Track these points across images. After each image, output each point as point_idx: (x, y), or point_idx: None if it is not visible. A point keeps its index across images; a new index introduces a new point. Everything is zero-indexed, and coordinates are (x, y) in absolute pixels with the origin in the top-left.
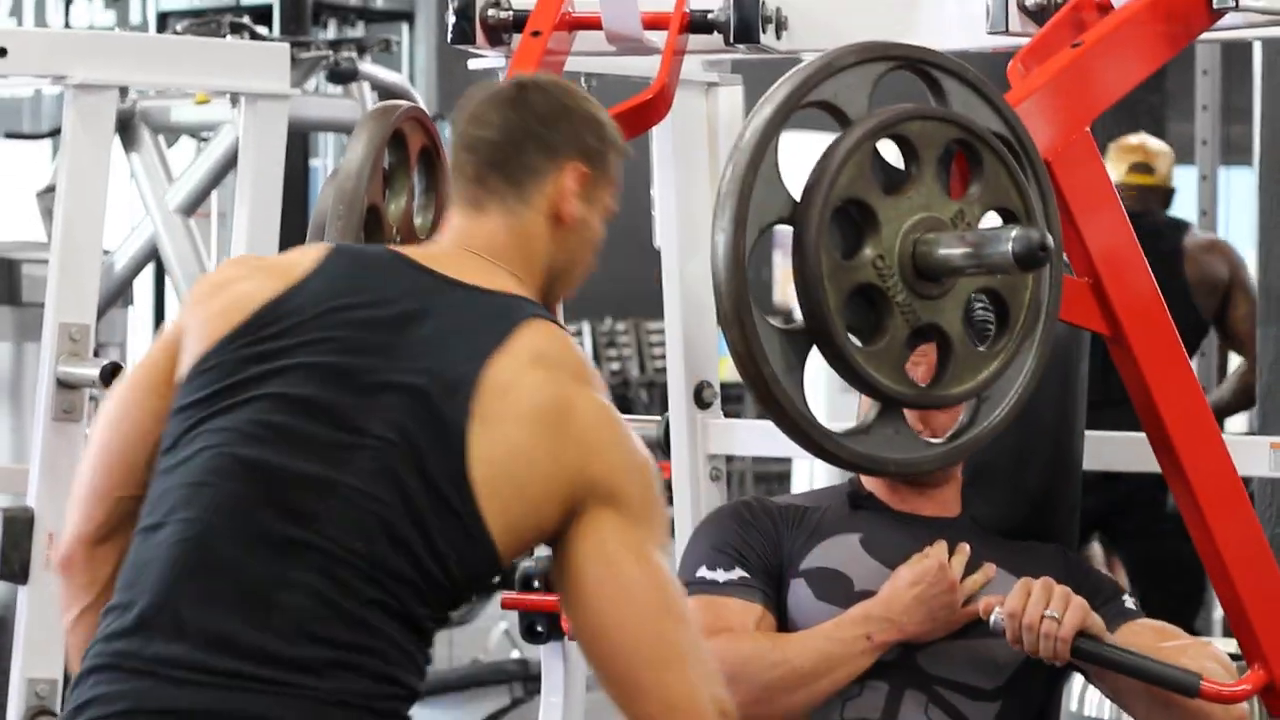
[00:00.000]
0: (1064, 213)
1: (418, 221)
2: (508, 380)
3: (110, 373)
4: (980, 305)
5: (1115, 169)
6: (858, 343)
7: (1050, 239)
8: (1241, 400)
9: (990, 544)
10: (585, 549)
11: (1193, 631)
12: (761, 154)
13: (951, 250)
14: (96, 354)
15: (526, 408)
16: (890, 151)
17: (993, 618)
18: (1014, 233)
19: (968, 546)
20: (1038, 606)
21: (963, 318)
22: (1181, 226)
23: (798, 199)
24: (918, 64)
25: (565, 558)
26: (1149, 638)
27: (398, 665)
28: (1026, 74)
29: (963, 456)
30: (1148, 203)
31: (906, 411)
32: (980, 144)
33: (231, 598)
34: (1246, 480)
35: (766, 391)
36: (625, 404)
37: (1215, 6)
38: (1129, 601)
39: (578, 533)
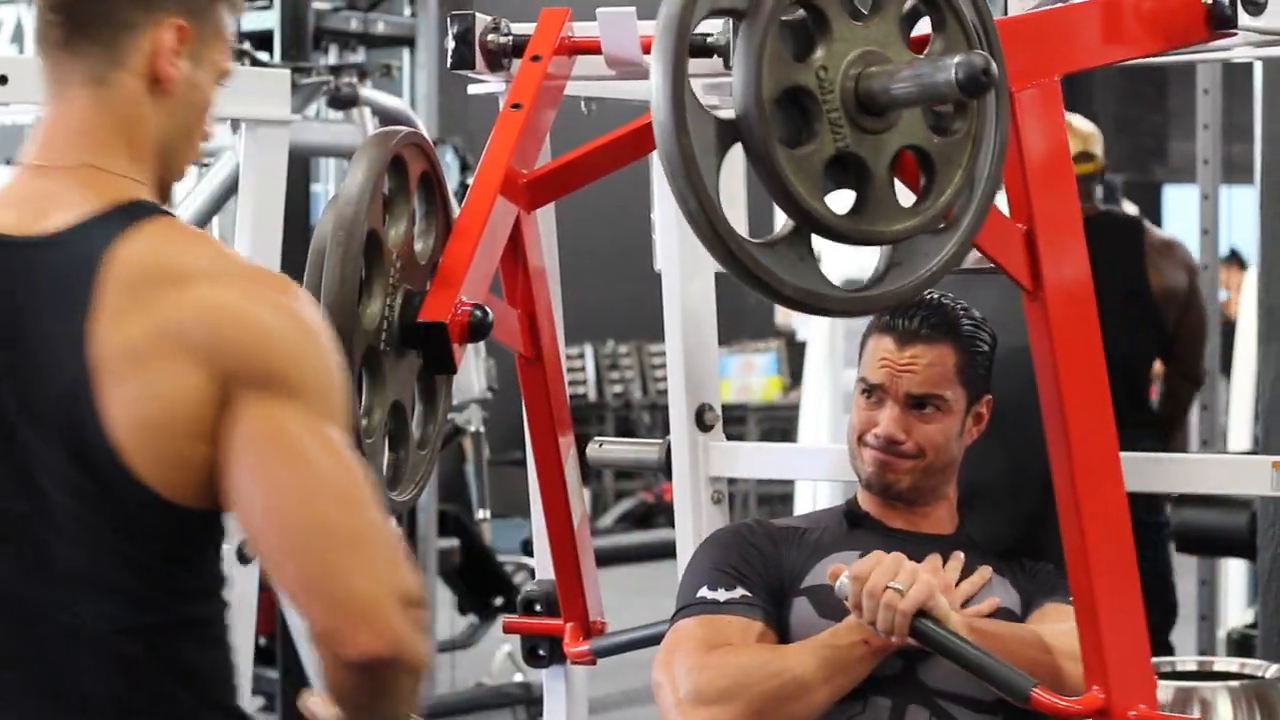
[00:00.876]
0: (1014, 151)
1: (418, 247)
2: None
3: None
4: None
5: None
6: (782, 145)
7: (994, 66)
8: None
9: (984, 561)
10: (236, 436)
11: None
12: None
13: (895, 79)
14: None
15: (151, 342)
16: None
17: (839, 581)
18: (958, 58)
19: (962, 554)
20: (884, 576)
21: (890, 165)
22: (1138, 226)
23: None
24: None
25: (221, 452)
26: (1048, 622)
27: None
28: None
29: (862, 310)
30: (1090, 192)
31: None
32: (948, 7)
33: None
34: (1247, 501)
35: (681, 164)
36: (628, 426)
37: (1214, 26)
38: (1063, 600)
39: (228, 421)
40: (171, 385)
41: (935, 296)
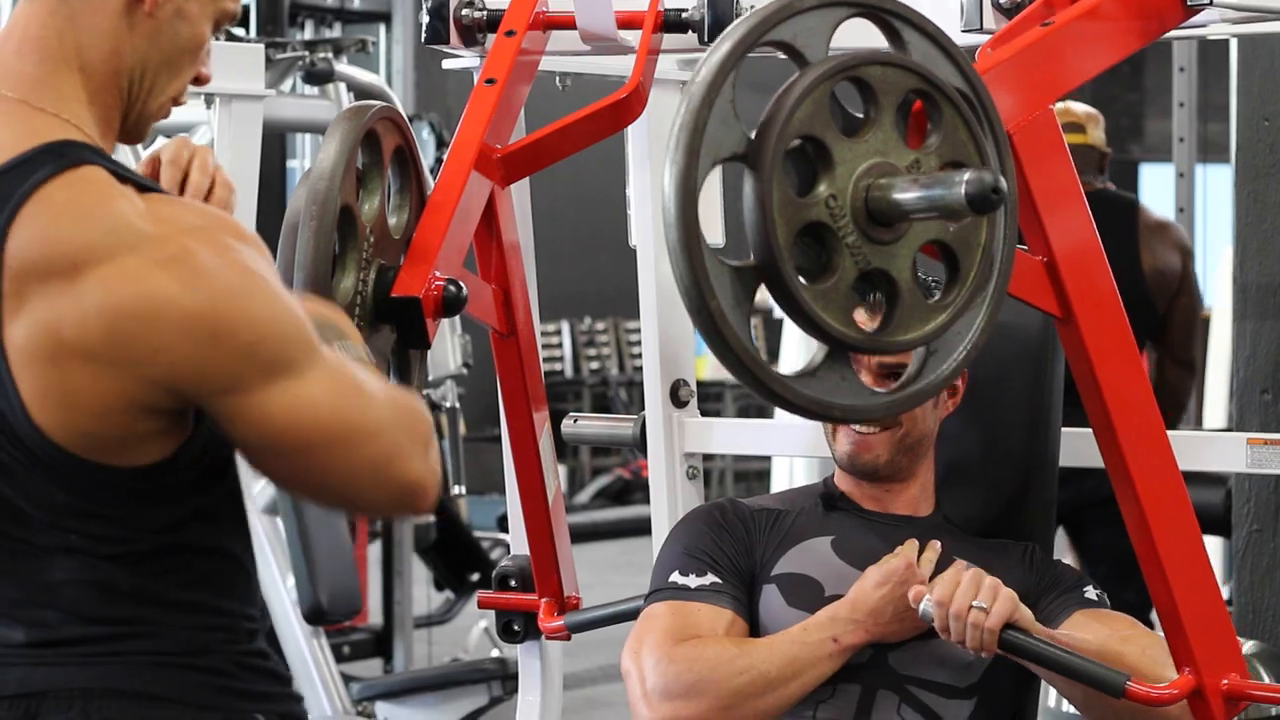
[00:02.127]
0: (1022, 188)
1: (392, 222)
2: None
3: None
4: (924, 275)
5: None
6: (805, 282)
7: (1004, 182)
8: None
9: (962, 542)
10: (234, 437)
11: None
12: (718, 89)
13: (904, 193)
14: None
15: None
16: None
17: (922, 606)
18: (967, 175)
19: (939, 544)
20: (966, 596)
21: (912, 267)
22: (1132, 206)
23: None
24: (879, 11)
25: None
26: (1096, 628)
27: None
28: None
29: (909, 407)
30: (1083, 167)
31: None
32: (939, 95)
33: None
34: (1223, 477)
35: (712, 325)
36: (604, 403)
37: (1189, 2)
38: (1090, 592)
39: (209, 412)
40: (90, 392)
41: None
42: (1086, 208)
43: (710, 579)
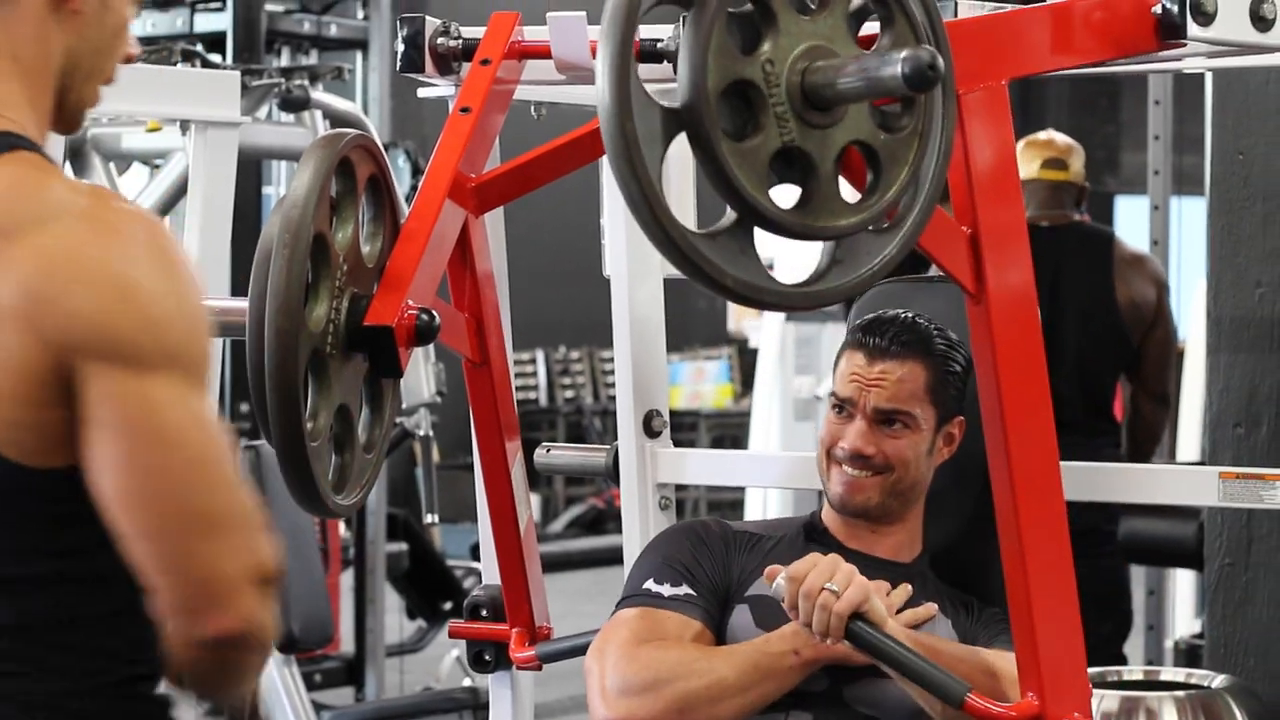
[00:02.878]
0: (960, 153)
1: (365, 250)
2: None
3: None
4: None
5: (1027, 166)
6: (727, 137)
7: (941, 60)
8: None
9: (936, 595)
10: (87, 415)
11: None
12: None
13: (841, 74)
14: None
15: None
16: None
17: (775, 583)
18: (904, 53)
19: (910, 586)
20: (820, 576)
21: (836, 161)
22: (1108, 239)
23: None
24: None
25: (79, 427)
26: (992, 655)
27: None
28: None
29: (801, 304)
30: (1061, 201)
31: None
32: (897, 5)
33: None
34: (1196, 510)
35: (624, 148)
36: (579, 432)
37: (1163, 37)
38: (1006, 639)
39: (77, 392)
40: (5, 359)
41: (910, 315)
42: (1021, 195)
43: (684, 590)
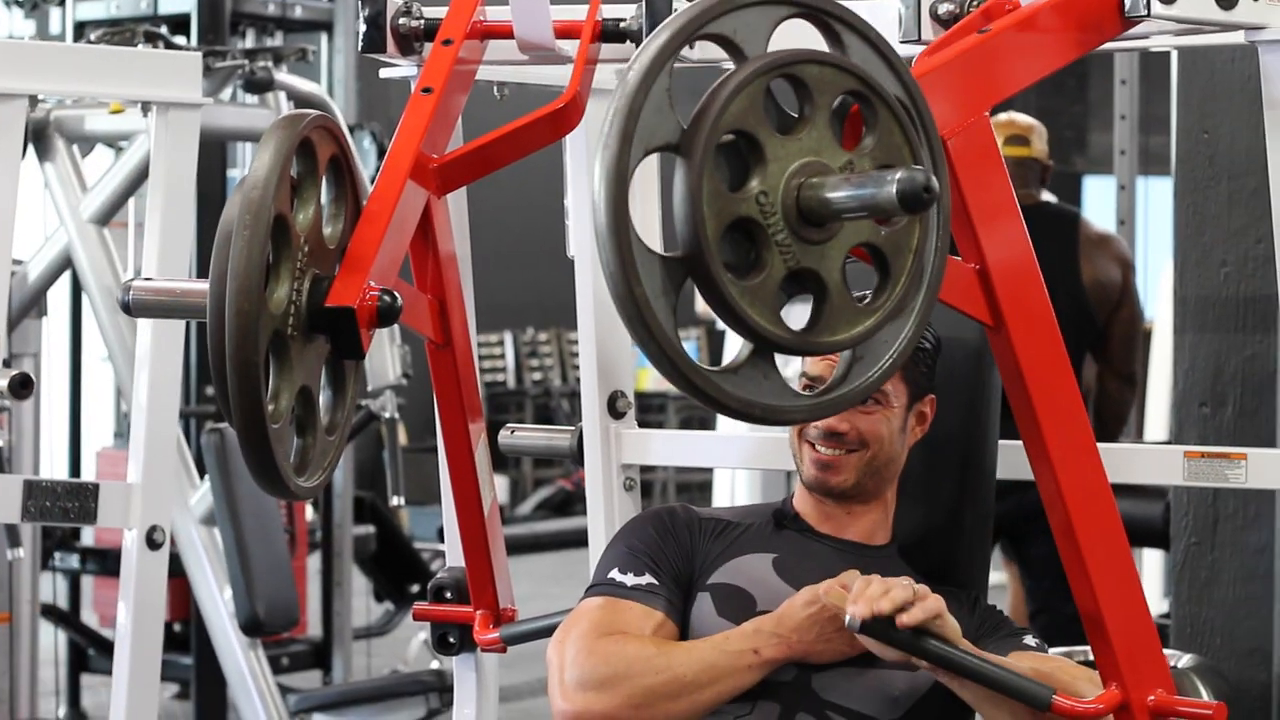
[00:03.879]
0: (956, 194)
1: (327, 231)
2: None
3: (20, 383)
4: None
5: None
6: (733, 277)
7: (935, 181)
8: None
9: (909, 578)
10: None
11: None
12: (654, 76)
13: (835, 192)
14: (8, 364)
15: None
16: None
17: (848, 618)
18: (899, 174)
19: (879, 578)
20: (881, 588)
21: (841, 269)
22: (1073, 219)
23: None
24: (819, 13)
25: None
26: (1032, 662)
27: None
28: None
29: (830, 412)
30: (1026, 180)
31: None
32: (875, 97)
33: None
34: (1162, 490)
35: (637, 313)
36: (547, 414)
37: (1127, 14)
38: (1029, 639)
39: None
40: None
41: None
42: (1020, 216)
43: (647, 579)
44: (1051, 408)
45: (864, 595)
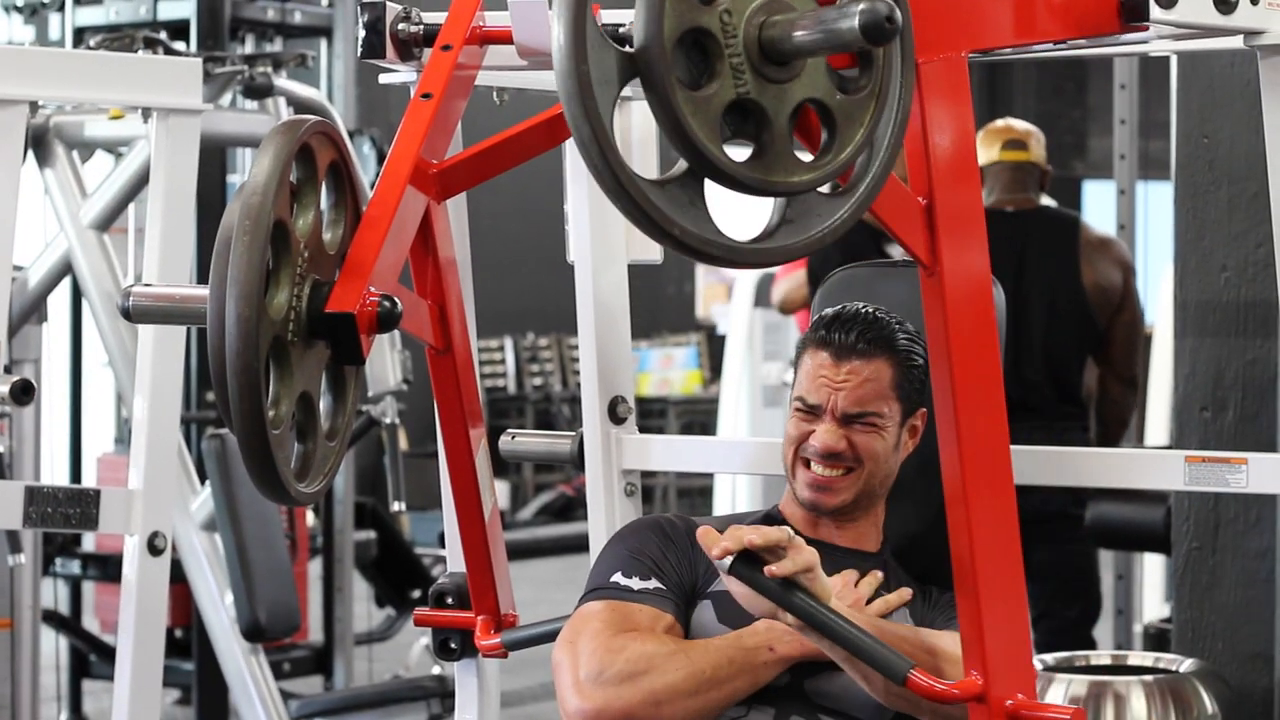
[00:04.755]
0: (917, 122)
1: (326, 237)
2: None
3: (22, 389)
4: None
5: (987, 151)
6: (681, 84)
7: (899, 14)
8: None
9: (900, 583)
10: None
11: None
12: None
13: (798, 27)
14: (9, 370)
15: None
16: None
17: (716, 559)
18: (862, 5)
19: (880, 574)
20: (762, 538)
21: (790, 117)
22: (1073, 223)
23: None
24: None
25: None
26: (915, 633)
27: None
28: None
29: (751, 262)
30: (1025, 184)
31: None
32: None
33: None
34: (1164, 495)
35: (577, 88)
36: (547, 419)
37: (1126, 18)
38: (948, 620)
39: None
40: None
41: (870, 310)
42: (978, 171)
43: (653, 584)
44: (968, 367)
45: (733, 538)
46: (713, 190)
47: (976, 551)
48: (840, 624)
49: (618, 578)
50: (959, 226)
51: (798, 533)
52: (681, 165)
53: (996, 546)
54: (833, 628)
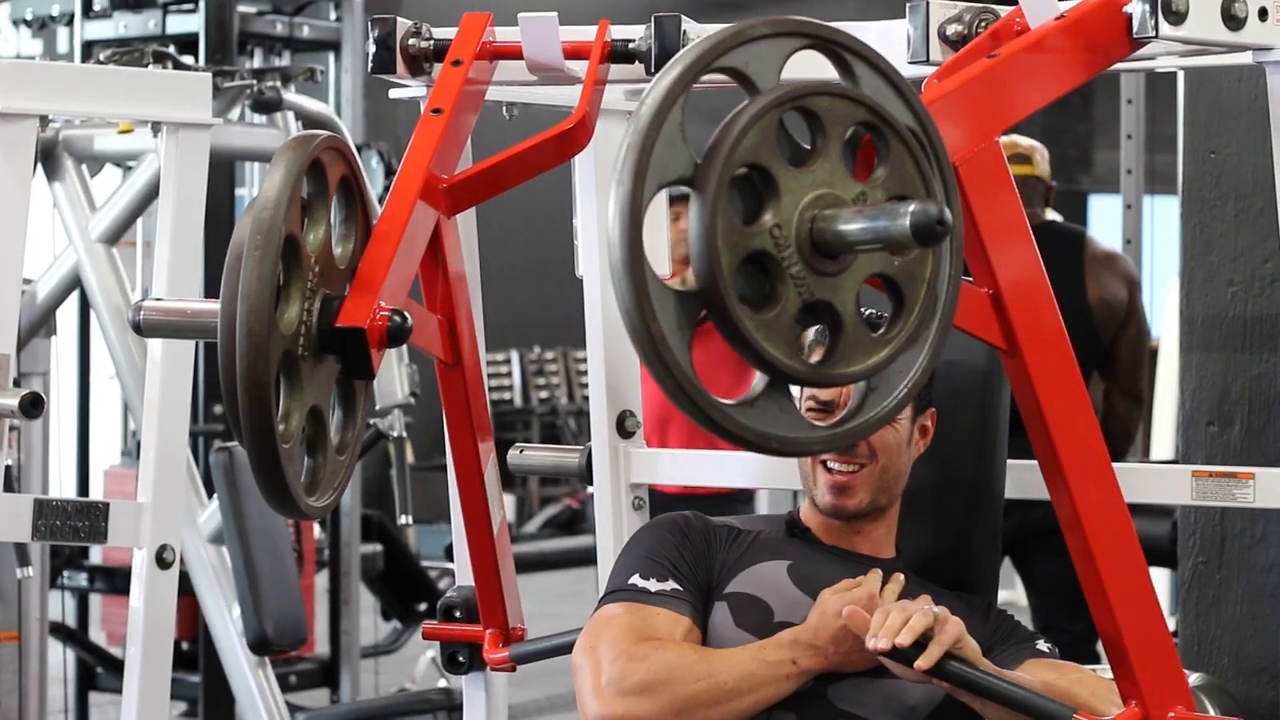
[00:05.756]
0: (968, 220)
1: (337, 251)
2: None
3: (31, 403)
4: (870, 312)
5: None
6: (748, 311)
7: (949, 214)
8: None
9: (920, 588)
10: None
11: (1094, 657)
12: (666, 111)
13: (849, 224)
14: (17, 384)
15: None
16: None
17: (869, 641)
18: (912, 206)
19: (902, 578)
20: (902, 614)
21: (855, 300)
22: (1080, 238)
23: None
24: (831, 44)
25: None
26: (1046, 672)
27: None
28: None
29: (845, 441)
30: (1030, 199)
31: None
32: (888, 129)
33: None
34: (1169, 509)
35: (653, 348)
36: (554, 432)
37: (1135, 36)
38: (1043, 644)
39: None
40: None
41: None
42: (1032, 239)
43: (671, 585)
44: (1067, 430)
45: (885, 628)
46: None
47: (1112, 598)
48: (998, 685)
49: (636, 579)
50: (1026, 301)
51: (816, 541)
52: (761, 379)
53: (1128, 585)
54: (993, 690)
